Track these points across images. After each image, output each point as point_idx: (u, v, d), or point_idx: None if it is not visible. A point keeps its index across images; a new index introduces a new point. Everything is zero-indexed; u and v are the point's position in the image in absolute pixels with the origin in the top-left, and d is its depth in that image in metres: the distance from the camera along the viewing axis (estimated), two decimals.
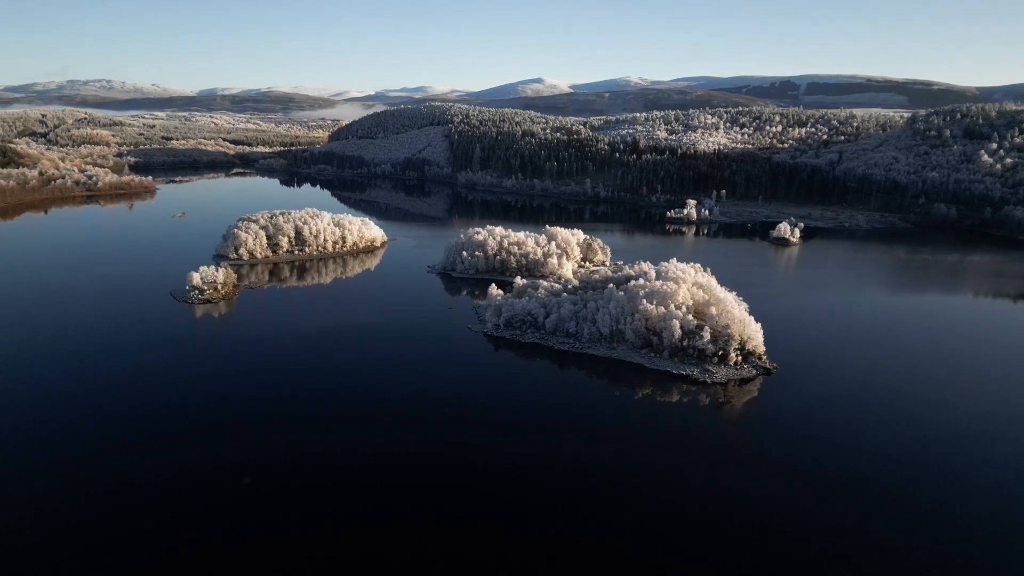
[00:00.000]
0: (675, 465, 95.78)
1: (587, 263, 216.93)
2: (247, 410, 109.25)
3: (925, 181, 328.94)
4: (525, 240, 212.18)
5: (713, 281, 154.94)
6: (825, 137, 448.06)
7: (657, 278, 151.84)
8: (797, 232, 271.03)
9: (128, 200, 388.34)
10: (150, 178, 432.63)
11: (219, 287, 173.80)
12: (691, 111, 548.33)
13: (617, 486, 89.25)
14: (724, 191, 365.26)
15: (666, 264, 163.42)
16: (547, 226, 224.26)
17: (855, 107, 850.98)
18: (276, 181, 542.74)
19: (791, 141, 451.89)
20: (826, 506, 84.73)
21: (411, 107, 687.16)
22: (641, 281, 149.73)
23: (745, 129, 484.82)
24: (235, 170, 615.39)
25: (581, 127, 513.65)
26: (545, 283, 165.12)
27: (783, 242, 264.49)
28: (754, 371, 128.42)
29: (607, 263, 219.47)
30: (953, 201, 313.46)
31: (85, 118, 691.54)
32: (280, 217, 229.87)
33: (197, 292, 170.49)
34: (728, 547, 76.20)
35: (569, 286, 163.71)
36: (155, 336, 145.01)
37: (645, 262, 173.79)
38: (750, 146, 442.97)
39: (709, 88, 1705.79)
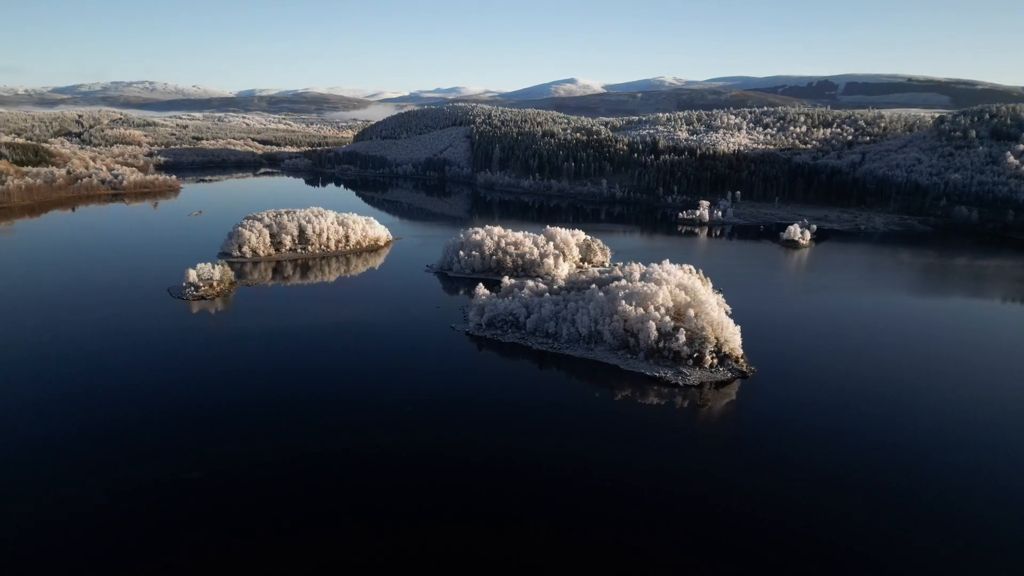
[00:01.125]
0: (640, 465, 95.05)
1: (586, 264, 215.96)
2: (223, 407, 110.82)
3: (947, 183, 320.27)
4: (523, 240, 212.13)
5: (699, 283, 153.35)
6: (850, 138, 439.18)
7: (642, 279, 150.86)
8: (808, 234, 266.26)
9: (153, 199, 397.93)
10: (174, 177, 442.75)
11: (215, 284, 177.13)
12: (714, 111, 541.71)
13: (579, 485, 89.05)
14: (739, 192, 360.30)
15: (656, 265, 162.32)
16: (547, 226, 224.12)
17: (895, 107, 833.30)
18: (301, 181, 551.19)
19: (815, 142, 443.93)
20: (784, 504, 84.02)
21: (435, 107, 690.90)
22: (624, 282, 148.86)
23: (768, 130, 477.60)
24: (263, 170, 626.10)
25: (602, 127, 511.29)
26: (531, 283, 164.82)
27: (792, 244, 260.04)
28: (729, 374, 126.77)
29: (607, 264, 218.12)
30: (976, 203, 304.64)
31: (120, 118, 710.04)
32: (285, 216, 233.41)
33: (192, 289, 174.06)
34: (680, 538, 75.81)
35: (555, 286, 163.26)
36: (144, 330, 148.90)
37: (637, 263, 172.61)
38: (771, 147, 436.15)
39: (744, 88, 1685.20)
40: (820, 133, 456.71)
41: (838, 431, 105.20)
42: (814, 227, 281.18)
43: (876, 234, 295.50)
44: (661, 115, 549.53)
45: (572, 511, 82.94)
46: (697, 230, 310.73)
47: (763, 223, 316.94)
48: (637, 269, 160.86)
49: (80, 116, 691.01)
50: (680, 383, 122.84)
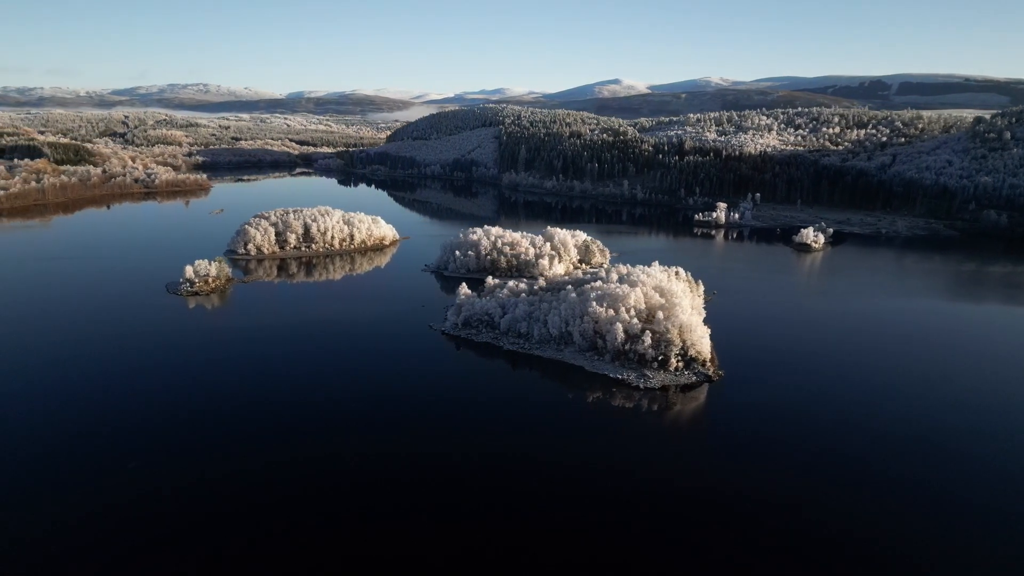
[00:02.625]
0: (590, 465, 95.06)
1: (583, 265, 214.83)
2: (183, 404, 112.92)
3: (977, 186, 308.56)
4: (520, 241, 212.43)
5: (678, 286, 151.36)
6: (884, 139, 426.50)
7: (620, 281, 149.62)
8: (821, 238, 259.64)
9: (184, 197, 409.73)
10: (204, 176, 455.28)
11: (209, 280, 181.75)
12: (746, 112, 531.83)
13: (528, 485, 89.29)
14: (759, 195, 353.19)
15: (640, 267, 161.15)
16: (548, 227, 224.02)
17: (951, 108, 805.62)
18: (333, 181, 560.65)
19: (847, 143, 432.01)
20: (710, 509, 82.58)
21: (465, 108, 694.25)
22: (599, 283, 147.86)
23: (800, 131, 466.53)
24: (298, 170, 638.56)
25: (629, 128, 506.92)
26: (512, 283, 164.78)
27: (805, 248, 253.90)
28: (695, 377, 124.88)
29: (606, 265, 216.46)
30: (1006, 207, 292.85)
31: (165, 119, 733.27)
32: (291, 215, 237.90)
33: (188, 285, 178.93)
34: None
35: (535, 287, 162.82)
36: (130, 322, 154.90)
37: (633, 264, 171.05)
38: (800, 148, 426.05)
39: (792, 88, 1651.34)
40: (854, 134, 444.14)
41: (798, 436, 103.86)
42: (830, 230, 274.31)
43: (898, 238, 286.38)
44: (692, 116, 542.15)
45: (523, 510, 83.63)
46: (713, 232, 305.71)
47: (781, 226, 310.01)
48: (616, 271, 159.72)
49: (127, 117, 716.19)
50: (641, 386, 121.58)
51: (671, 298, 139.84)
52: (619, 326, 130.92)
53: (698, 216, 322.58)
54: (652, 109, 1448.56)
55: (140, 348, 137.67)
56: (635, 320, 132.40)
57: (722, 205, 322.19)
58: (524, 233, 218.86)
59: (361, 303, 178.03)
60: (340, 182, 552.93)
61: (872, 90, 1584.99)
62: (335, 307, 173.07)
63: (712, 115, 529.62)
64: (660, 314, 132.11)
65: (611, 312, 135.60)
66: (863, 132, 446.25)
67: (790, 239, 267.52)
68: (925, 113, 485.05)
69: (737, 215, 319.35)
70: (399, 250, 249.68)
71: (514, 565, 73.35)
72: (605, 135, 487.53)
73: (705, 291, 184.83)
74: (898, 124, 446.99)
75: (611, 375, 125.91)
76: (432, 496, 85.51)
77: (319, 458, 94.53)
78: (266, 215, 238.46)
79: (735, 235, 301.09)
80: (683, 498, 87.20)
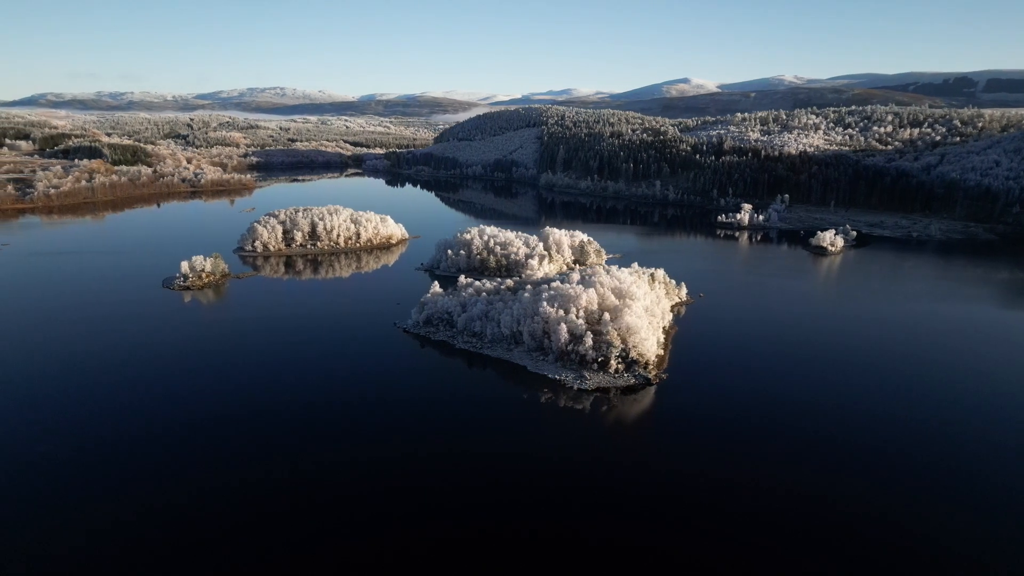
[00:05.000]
0: (506, 463, 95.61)
1: (577, 265, 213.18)
2: (154, 391, 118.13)
3: (1023, 188, 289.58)
4: (513, 240, 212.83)
5: (638, 287, 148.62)
6: (938, 138, 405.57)
7: (580, 282, 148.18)
8: (840, 241, 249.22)
9: (229, 196, 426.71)
10: (252, 176, 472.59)
11: (203, 276, 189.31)
12: (795, 111, 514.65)
13: (441, 485, 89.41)
14: (787, 196, 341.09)
15: (608, 268, 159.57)
16: (547, 227, 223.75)
17: None
18: (381, 182, 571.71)
19: (897, 143, 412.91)
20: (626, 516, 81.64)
21: (511, 109, 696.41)
22: (557, 283, 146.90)
23: (850, 130, 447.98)
24: (350, 170, 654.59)
25: (670, 127, 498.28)
26: (478, 283, 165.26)
27: (821, 251, 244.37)
28: (633, 379, 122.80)
29: (602, 265, 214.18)
30: None
31: (228, 122, 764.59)
32: (300, 213, 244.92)
33: (181, 279, 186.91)
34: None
35: (502, 286, 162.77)
36: (118, 314, 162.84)
37: (601, 265, 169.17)
38: (845, 148, 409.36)
39: (870, 86, 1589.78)
40: (906, 133, 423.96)
41: (728, 439, 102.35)
42: (853, 233, 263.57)
43: (931, 242, 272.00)
44: (739, 115, 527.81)
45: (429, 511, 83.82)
46: (736, 234, 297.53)
47: (807, 228, 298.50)
48: (582, 272, 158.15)
49: (192, 119, 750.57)
50: (576, 387, 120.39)
51: (626, 300, 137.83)
52: (563, 327, 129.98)
53: (721, 217, 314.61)
54: (720, 108, 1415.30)
55: (111, 338, 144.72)
56: (581, 321, 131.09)
57: (747, 206, 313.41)
58: (519, 233, 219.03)
59: (340, 299, 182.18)
60: (388, 183, 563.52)
61: (956, 87, 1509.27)
62: (312, 303, 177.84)
63: (759, 114, 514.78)
64: (607, 316, 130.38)
65: (561, 312, 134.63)
66: (916, 131, 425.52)
67: (808, 242, 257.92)
68: (987, 111, 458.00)
69: (760, 216, 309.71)
70: (407, 249, 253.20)
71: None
72: (645, 135, 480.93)
73: (689, 293, 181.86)
74: (956, 123, 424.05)
75: (550, 376, 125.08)
76: (359, 502, 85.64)
77: (251, 463, 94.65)
78: (276, 214, 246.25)
79: (758, 237, 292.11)
80: (585, 497, 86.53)
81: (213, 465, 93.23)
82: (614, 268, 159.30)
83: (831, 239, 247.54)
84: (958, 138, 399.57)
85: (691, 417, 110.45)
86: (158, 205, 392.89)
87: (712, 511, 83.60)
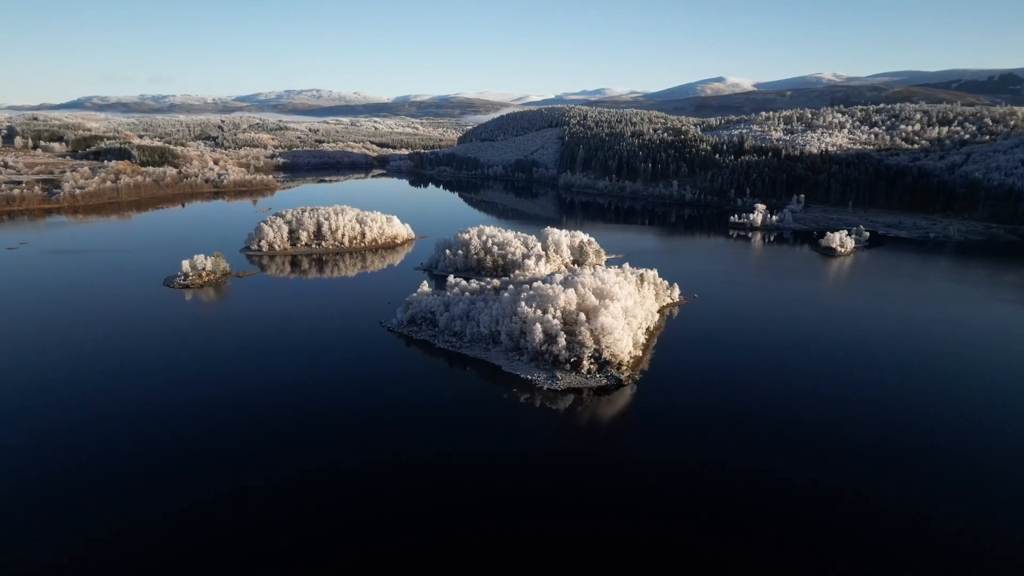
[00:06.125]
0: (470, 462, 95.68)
1: (576, 265, 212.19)
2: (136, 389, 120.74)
3: None
4: (512, 241, 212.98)
5: (622, 288, 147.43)
6: (967, 137, 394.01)
7: (563, 283, 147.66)
8: (850, 242, 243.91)
9: (251, 196, 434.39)
10: (271, 177, 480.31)
11: (203, 274, 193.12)
12: (822, 109, 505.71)
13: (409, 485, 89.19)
14: (803, 196, 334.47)
15: (592, 269, 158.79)
16: (547, 227, 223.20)
17: None
18: (405, 182, 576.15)
19: (924, 141, 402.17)
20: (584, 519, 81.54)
21: (534, 110, 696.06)
22: (537, 284, 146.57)
23: (876, 128, 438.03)
24: (375, 171, 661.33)
25: (691, 127, 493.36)
26: (464, 282, 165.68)
27: (830, 252, 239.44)
28: (605, 380, 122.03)
29: (601, 265, 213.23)
30: None
31: (258, 123, 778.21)
32: (306, 213, 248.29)
33: (181, 278, 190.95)
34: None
35: (488, 286, 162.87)
36: (115, 311, 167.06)
37: (600, 265, 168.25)
38: (869, 147, 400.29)
39: (911, 84, 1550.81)
40: (935, 132, 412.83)
41: (695, 440, 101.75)
42: (866, 234, 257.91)
43: (949, 243, 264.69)
44: (763, 114, 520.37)
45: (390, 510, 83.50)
46: (749, 235, 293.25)
47: (821, 229, 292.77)
48: (566, 272, 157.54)
49: (223, 121, 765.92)
50: (545, 387, 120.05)
51: (604, 300, 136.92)
52: (538, 327, 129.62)
53: (733, 218, 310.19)
54: (755, 107, 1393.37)
55: (103, 336, 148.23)
56: (556, 321, 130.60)
57: (761, 207, 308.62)
58: (518, 233, 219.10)
59: (334, 299, 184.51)
60: (411, 183, 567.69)
61: (1002, 85, 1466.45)
62: (305, 302, 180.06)
63: (784, 113, 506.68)
64: (582, 316, 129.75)
65: (539, 312, 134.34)
66: (946, 130, 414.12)
67: (818, 243, 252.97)
68: (1020, 109, 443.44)
69: (775, 217, 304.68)
70: (413, 249, 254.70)
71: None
72: (666, 134, 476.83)
73: (683, 294, 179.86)
74: (987, 121, 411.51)
75: (523, 375, 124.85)
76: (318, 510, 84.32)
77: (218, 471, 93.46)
78: (283, 214, 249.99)
79: (771, 238, 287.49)
80: (545, 495, 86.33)
81: (180, 477, 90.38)
82: (600, 268, 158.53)
83: (840, 240, 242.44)
84: (988, 136, 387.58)
85: (657, 418, 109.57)
86: (183, 205, 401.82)
87: (675, 507, 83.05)
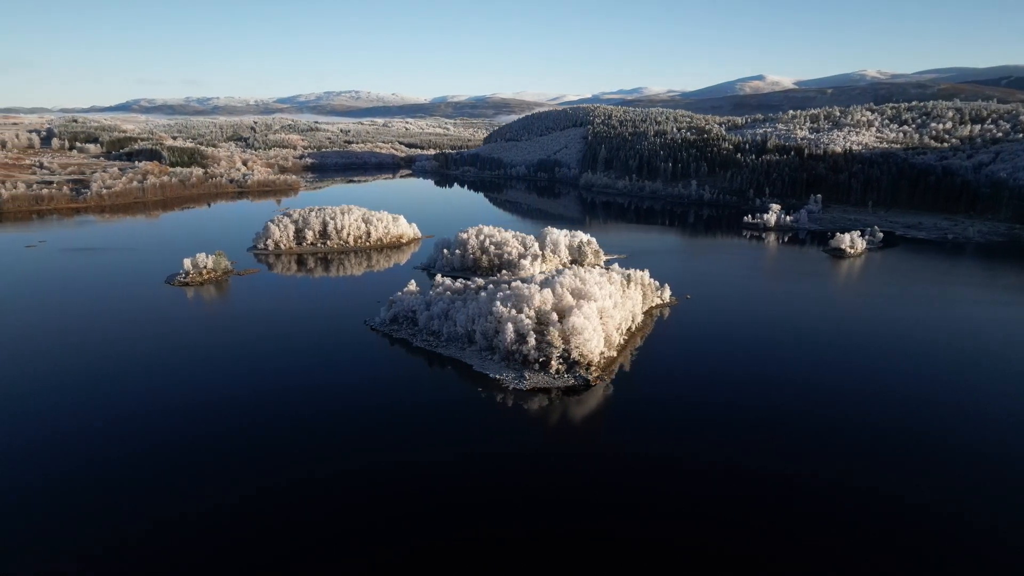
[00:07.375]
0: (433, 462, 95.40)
1: (574, 265, 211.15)
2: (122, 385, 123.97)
3: None
4: (510, 240, 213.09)
5: (602, 288, 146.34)
6: (999, 135, 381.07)
7: (543, 283, 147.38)
8: (861, 243, 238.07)
9: (275, 196, 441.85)
10: (295, 177, 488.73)
11: (203, 272, 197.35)
12: (851, 107, 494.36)
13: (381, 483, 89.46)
14: (820, 195, 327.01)
15: (573, 268, 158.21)
16: (546, 227, 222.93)
17: None
18: (430, 182, 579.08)
19: (954, 140, 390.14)
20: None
21: (559, 109, 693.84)
22: (515, 283, 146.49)
23: (905, 127, 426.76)
24: (402, 171, 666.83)
25: (715, 126, 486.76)
26: (448, 281, 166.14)
27: (839, 254, 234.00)
28: (573, 380, 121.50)
29: (600, 265, 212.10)
30: None
31: (290, 124, 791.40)
32: (312, 212, 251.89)
33: (182, 276, 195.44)
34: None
35: (472, 285, 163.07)
36: (115, 308, 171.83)
37: (599, 266, 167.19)
38: (896, 145, 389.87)
39: (959, 80, 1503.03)
40: (967, 130, 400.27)
41: (658, 440, 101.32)
42: (880, 235, 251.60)
43: (968, 244, 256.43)
44: (789, 112, 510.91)
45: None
46: (763, 235, 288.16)
47: (837, 229, 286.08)
48: (546, 272, 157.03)
49: (255, 123, 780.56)
50: (514, 386, 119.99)
51: (580, 301, 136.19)
52: (510, 326, 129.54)
53: (747, 218, 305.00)
54: (794, 105, 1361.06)
55: (100, 333, 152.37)
56: (529, 321, 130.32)
57: (775, 207, 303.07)
58: (516, 233, 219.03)
59: (329, 298, 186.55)
60: (436, 183, 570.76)
61: None
62: (300, 300, 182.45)
63: (810, 111, 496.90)
64: (554, 316, 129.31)
65: (513, 312, 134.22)
66: (978, 128, 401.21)
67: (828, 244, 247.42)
68: None
69: (789, 217, 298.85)
70: (418, 248, 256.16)
71: None
72: (689, 134, 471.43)
73: (675, 295, 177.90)
74: (1022, 118, 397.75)
75: (491, 375, 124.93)
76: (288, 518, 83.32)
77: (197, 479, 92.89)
78: (290, 213, 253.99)
79: (785, 239, 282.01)
80: (504, 495, 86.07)
81: (166, 488, 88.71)
82: (582, 269, 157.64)
83: (851, 241, 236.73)
84: (1021, 135, 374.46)
85: (624, 417, 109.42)
86: (208, 205, 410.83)
87: (637, 502, 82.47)
